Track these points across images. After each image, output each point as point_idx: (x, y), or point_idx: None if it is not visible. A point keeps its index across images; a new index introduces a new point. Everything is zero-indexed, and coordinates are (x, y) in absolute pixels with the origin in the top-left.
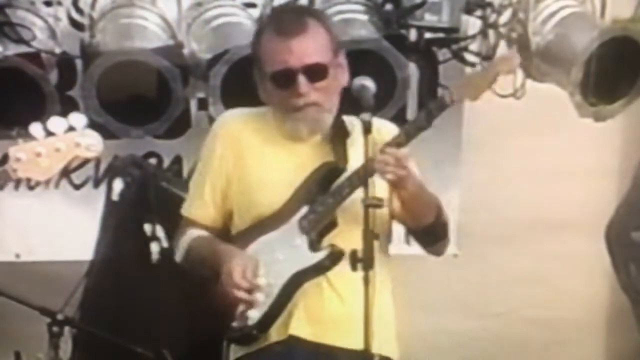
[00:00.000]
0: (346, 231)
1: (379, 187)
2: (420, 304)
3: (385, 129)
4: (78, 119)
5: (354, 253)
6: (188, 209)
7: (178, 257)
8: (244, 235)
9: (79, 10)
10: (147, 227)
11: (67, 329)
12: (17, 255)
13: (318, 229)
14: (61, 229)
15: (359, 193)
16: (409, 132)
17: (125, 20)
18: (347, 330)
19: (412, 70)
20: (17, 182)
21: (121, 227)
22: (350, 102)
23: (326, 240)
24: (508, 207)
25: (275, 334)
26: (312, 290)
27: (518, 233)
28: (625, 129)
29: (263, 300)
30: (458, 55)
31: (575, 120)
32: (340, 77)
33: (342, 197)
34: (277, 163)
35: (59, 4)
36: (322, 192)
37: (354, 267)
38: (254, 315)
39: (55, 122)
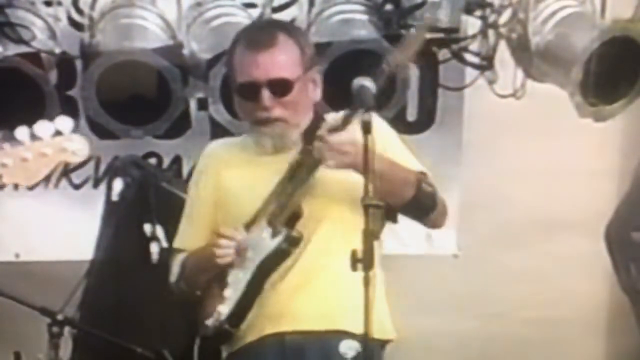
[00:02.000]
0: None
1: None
2: (420, 304)
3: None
4: (65, 122)
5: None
6: (179, 242)
7: (172, 277)
8: None
9: (79, 10)
10: (147, 227)
11: (67, 329)
12: (17, 255)
13: (282, 220)
14: (61, 229)
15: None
16: (347, 116)
17: (125, 20)
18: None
19: (412, 70)
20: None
21: (121, 227)
22: (350, 102)
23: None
24: (508, 207)
25: (250, 336)
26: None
27: (518, 233)
28: (625, 129)
29: (232, 295)
30: (458, 55)
31: (575, 121)
32: (311, 92)
33: (299, 182)
34: (255, 176)
35: (59, 4)
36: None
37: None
38: (224, 310)
39: (42, 127)
